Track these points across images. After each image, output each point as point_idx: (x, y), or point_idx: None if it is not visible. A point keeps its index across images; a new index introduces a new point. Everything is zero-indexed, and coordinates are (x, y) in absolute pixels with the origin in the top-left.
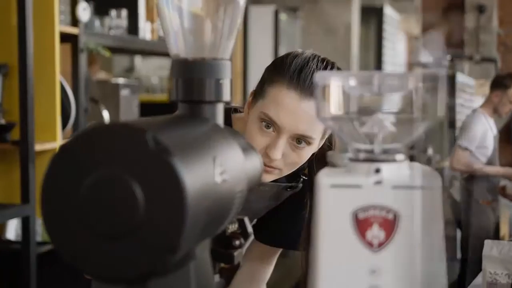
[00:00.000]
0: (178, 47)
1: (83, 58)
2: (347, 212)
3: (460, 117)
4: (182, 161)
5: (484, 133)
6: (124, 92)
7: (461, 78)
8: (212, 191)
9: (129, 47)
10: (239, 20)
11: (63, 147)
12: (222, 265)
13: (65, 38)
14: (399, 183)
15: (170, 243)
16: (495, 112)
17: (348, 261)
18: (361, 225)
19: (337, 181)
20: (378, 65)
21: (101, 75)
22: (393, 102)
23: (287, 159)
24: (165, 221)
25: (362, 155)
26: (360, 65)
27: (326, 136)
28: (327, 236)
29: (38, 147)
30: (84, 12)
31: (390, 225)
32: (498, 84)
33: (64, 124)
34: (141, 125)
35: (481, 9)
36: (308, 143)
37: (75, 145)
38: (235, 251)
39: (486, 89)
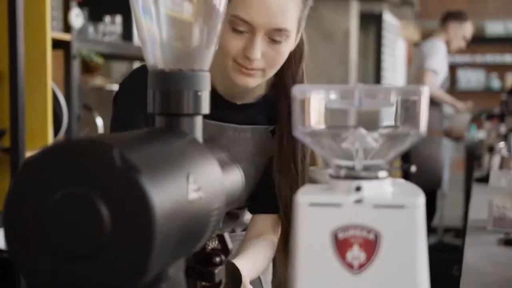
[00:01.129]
0: (155, 57)
1: (75, 65)
2: (326, 232)
3: (385, 58)
4: (150, 178)
5: (443, 60)
6: None
7: (387, 17)
8: (185, 210)
9: (123, 53)
10: (219, 29)
11: (27, 163)
12: (203, 283)
13: (58, 44)
14: (381, 201)
15: (138, 265)
16: (447, 45)
17: (327, 284)
18: (341, 245)
19: (316, 199)
20: (377, 72)
21: (98, 80)
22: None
23: (267, 57)
24: (132, 242)
25: (343, 172)
26: (359, 71)
27: (301, 30)
28: (305, 257)
29: (29, 154)
30: (76, 18)
31: (371, 246)
32: (455, 16)
33: (56, 132)
34: (109, 140)
35: None
36: (285, 37)
37: (39, 161)
38: (216, 269)
39: (410, 31)
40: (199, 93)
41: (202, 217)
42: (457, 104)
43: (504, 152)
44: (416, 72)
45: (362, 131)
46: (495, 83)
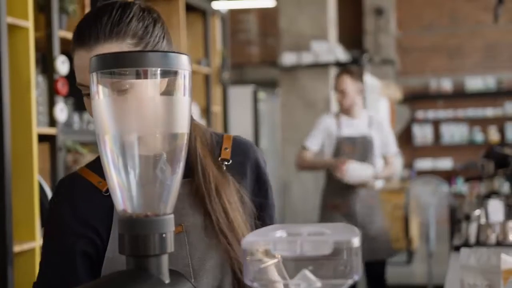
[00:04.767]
0: (124, 203)
1: (61, 157)
2: None
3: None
4: None
5: (324, 132)
6: None
7: (368, 79)
8: None
9: None
10: (180, 177)
11: None
12: None
13: (43, 138)
14: None
15: None
16: (341, 106)
17: None
18: None
19: None
20: None
21: (88, 157)
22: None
23: None
24: None
25: None
26: None
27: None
28: None
29: (16, 248)
30: (61, 112)
31: None
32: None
33: (43, 223)
34: None
35: (379, 12)
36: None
37: None
38: None
39: (391, 91)
40: (163, 235)
41: None
42: (333, 162)
43: (482, 220)
44: None
45: (307, 272)
46: (478, 137)
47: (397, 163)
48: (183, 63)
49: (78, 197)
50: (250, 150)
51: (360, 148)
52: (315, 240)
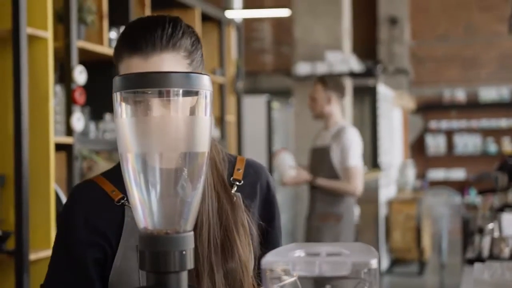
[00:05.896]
0: (146, 221)
1: (77, 166)
2: None
3: (382, 128)
4: None
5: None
6: None
7: (382, 89)
8: None
9: None
10: (200, 194)
11: None
12: None
13: (60, 146)
14: None
15: None
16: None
17: None
18: None
19: None
20: (374, 142)
21: (102, 165)
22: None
23: None
24: None
25: None
26: None
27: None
28: None
29: (32, 256)
30: (78, 122)
31: None
32: None
33: None
34: None
35: (393, 21)
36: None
37: None
38: None
39: (404, 101)
40: (183, 252)
41: None
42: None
43: (496, 233)
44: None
45: None
46: (492, 147)
47: (358, 180)
48: (205, 84)
49: (91, 204)
50: (262, 172)
51: (318, 158)
52: (333, 260)
